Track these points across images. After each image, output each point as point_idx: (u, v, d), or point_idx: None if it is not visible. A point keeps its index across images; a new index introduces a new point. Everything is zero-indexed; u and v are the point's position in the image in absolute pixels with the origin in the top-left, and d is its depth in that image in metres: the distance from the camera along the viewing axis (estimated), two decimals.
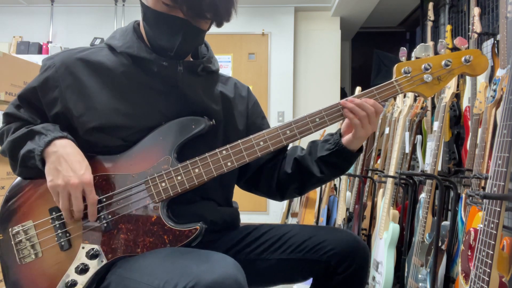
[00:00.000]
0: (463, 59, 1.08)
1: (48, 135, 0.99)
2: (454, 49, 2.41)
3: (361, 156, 2.93)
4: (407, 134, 2.44)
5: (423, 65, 1.08)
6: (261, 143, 1.04)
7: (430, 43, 3.02)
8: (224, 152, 1.03)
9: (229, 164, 1.02)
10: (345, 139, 1.09)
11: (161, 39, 1.03)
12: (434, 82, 1.09)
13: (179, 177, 1.00)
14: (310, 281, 1.15)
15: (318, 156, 1.12)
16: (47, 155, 0.98)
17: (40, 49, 4.75)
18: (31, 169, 1.00)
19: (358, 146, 1.10)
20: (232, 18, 1.05)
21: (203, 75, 1.13)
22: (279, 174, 1.19)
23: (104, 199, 1.00)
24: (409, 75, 1.08)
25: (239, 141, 1.04)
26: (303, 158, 1.16)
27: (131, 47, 1.06)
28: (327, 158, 1.11)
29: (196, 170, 1.01)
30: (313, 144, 1.16)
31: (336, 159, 1.11)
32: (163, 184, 1.00)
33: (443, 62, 1.08)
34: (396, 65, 1.10)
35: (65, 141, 0.99)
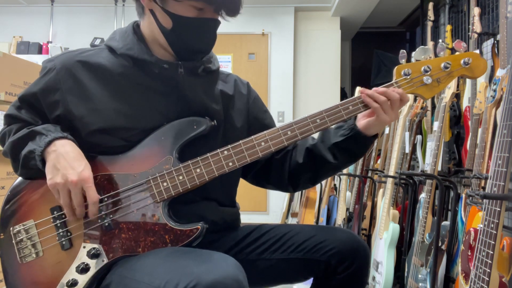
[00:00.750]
0: (462, 61, 1.09)
1: (48, 135, 0.99)
2: (454, 49, 2.42)
3: None
4: (407, 134, 2.44)
5: (423, 67, 1.09)
6: (262, 143, 1.04)
7: (430, 43, 3.02)
8: (225, 152, 1.03)
9: (230, 164, 1.02)
10: (362, 123, 1.08)
11: (197, 42, 1.07)
12: (433, 84, 1.10)
13: (180, 177, 1.01)
14: (310, 281, 1.15)
15: (332, 143, 1.11)
16: (47, 155, 0.98)
17: (40, 49, 4.74)
18: (32, 170, 1.01)
19: (375, 131, 1.09)
20: None
21: (203, 75, 1.13)
22: (290, 165, 1.19)
23: (106, 199, 1.00)
24: (408, 77, 1.09)
25: (241, 141, 1.04)
26: (315, 146, 1.15)
27: (131, 49, 1.06)
28: (342, 143, 1.10)
29: (198, 170, 1.01)
30: (325, 132, 1.15)
31: (351, 145, 1.10)
32: (165, 184, 1.00)
33: (442, 64, 1.09)
34: (396, 67, 1.11)
35: (65, 141, 1.00)
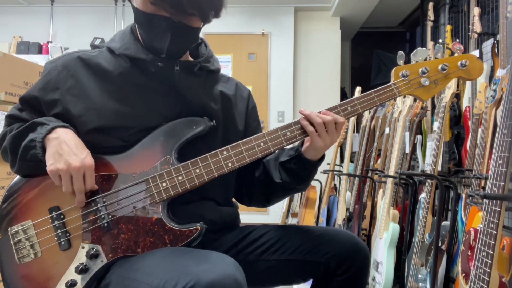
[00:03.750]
0: (459, 63, 1.11)
1: (49, 124, 1.00)
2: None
3: (361, 156, 2.93)
4: (407, 134, 2.44)
5: (421, 69, 1.10)
6: (262, 144, 1.04)
7: (430, 43, 3.02)
8: (225, 152, 1.03)
9: (229, 164, 1.02)
10: (304, 147, 1.08)
11: (153, 40, 1.03)
12: (431, 85, 1.11)
13: (180, 177, 1.00)
14: (310, 282, 1.15)
15: (279, 161, 1.12)
16: (48, 142, 0.98)
17: (40, 49, 4.75)
18: (31, 162, 1.00)
19: (316, 156, 1.08)
20: (221, 13, 1.03)
21: (202, 75, 1.13)
22: (250, 177, 1.19)
23: (105, 199, 1.00)
24: (406, 78, 1.10)
25: (240, 142, 1.04)
26: (268, 162, 1.16)
27: (128, 49, 1.07)
28: (287, 163, 1.10)
29: (197, 170, 1.01)
30: (282, 149, 1.14)
31: (294, 166, 1.09)
32: (164, 184, 1.00)
33: (439, 66, 1.10)
34: (394, 69, 1.11)
35: (67, 129, 1.00)
